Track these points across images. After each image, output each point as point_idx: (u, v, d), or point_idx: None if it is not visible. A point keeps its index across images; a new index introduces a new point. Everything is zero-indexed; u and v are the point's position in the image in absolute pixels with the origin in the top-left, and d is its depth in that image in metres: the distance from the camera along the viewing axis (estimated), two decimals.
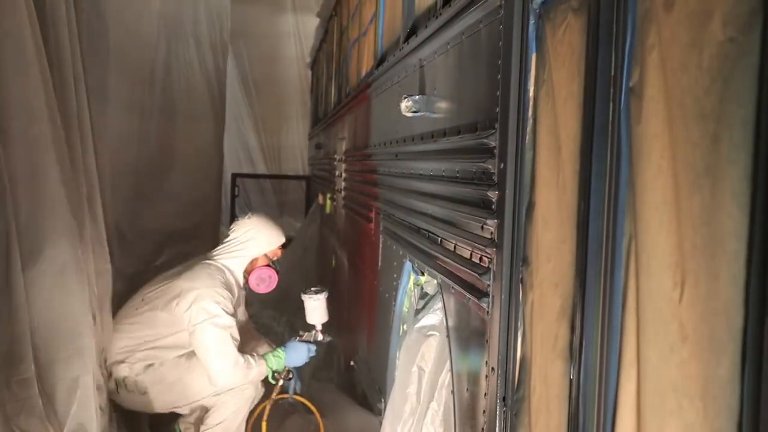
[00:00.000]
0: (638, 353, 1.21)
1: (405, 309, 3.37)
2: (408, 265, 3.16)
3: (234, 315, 4.06)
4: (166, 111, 6.40)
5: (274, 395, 4.33)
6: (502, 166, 1.84)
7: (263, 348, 4.46)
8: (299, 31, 12.71)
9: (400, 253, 3.26)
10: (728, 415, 1.04)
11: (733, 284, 1.01)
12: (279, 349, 4.24)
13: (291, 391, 4.37)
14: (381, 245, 3.84)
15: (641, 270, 1.21)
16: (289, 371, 4.29)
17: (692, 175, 1.08)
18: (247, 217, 4.42)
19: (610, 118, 1.32)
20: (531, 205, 1.69)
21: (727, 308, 1.02)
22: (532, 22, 1.73)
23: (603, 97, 1.35)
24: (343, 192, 5.78)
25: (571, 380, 1.45)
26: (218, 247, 4.35)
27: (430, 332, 2.66)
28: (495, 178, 1.90)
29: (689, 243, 1.08)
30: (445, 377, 2.57)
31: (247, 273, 4.29)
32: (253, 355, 4.12)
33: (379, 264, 3.88)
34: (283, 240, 4.41)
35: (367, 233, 4.33)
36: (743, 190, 0.99)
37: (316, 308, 4.36)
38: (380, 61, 4.13)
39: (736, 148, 1.00)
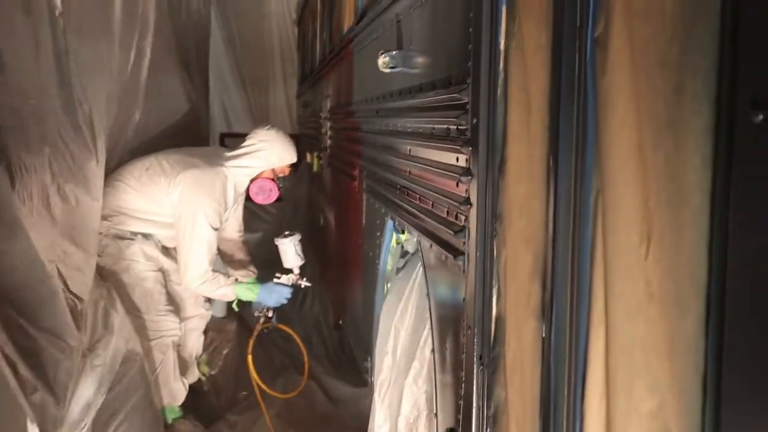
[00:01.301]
0: (606, 311, 1.19)
1: (388, 268, 3.35)
2: (390, 223, 3.13)
3: (219, 228, 4.20)
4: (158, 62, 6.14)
5: (256, 332, 4.54)
6: (474, 121, 1.80)
7: (242, 272, 4.66)
8: None
9: (383, 211, 3.23)
10: (694, 371, 1.02)
11: (697, 239, 0.98)
12: (253, 284, 4.38)
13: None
14: (364, 204, 3.81)
15: (608, 226, 1.19)
16: (268, 310, 4.50)
17: (656, 128, 1.05)
18: (266, 127, 4.48)
19: (577, 71, 1.29)
20: (503, 161, 1.65)
21: (691, 264, 1.00)
22: None
23: (569, 48, 1.31)
24: (328, 150, 5.73)
25: (543, 339, 1.43)
26: (233, 151, 4.39)
27: (410, 291, 2.64)
28: (468, 134, 1.87)
29: (654, 198, 1.06)
30: (427, 336, 2.56)
31: (251, 181, 4.38)
32: (227, 277, 4.25)
33: (363, 222, 3.86)
34: (294, 159, 4.47)
35: (351, 192, 4.29)
36: (706, 141, 0.96)
37: (288, 251, 4.50)
38: (361, 17, 4.06)
39: (698, 99, 0.97)
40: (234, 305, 4.54)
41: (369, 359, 3.67)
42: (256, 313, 4.61)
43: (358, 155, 4.03)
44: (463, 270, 1.90)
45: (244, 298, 4.38)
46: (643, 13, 1.08)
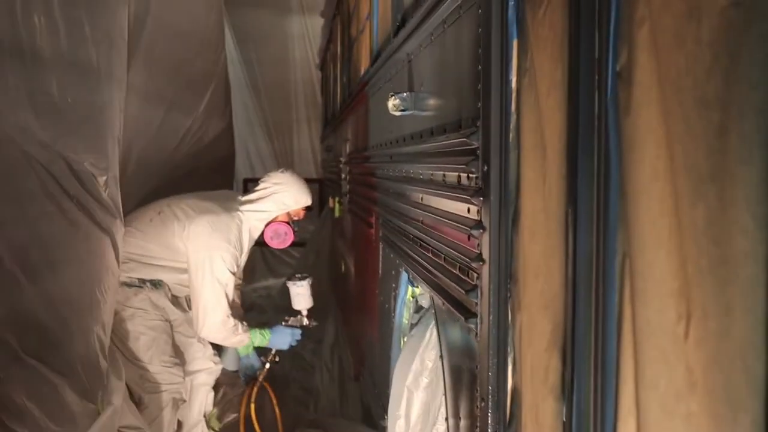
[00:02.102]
0: (637, 399, 0.98)
1: (405, 321, 3.14)
2: (404, 275, 2.93)
3: (235, 273, 4.05)
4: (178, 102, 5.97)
5: (261, 377, 4.46)
6: (485, 168, 1.61)
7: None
8: (308, 32, 12.48)
9: (397, 262, 3.04)
10: None
11: (751, 320, 0.78)
12: (265, 329, 4.31)
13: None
14: (381, 253, 3.62)
15: (637, 296, 0.98)
16: (275, 354, 4.43)
17: (695, 179, 0.85)
18: (280, 171, 4.35)
19: (596, 110, 1.09)
20: (517, 214, 1.45)
21: (743, 350, 0.79)
22: (511, 3, 1.50)
23: (587, 84, 1.12)
24: (347, 195, 5.57)
25: (564, 423, 1.22)
26: (248, 195, 4.26)
27: (425, 350, 2.43)
28: (479, 182, 1.67)
29: (693, 265, 0.85)
30: (437, 400, 2.35)
31: (265, 225, 4.25)
32: (243, 323, 4.13)
33: (380, 272, 3.66)
34: (309, 202, 4.31)
35: (369, 239, 4.11)
36: (759, 197, 0.76)
37: (300, 294, 4.45)
38: (375, 58, 3.91)
39: (748, 142, 0.77)
40: (247, 353, 4.42)
41: (386, 417, 3.45)
42: (262, 358, 4.51)
43: (374, 202, 3.85)
44: (476, 334, 1.69)
45: (257, 344, 4.30)
46: (674, 39, 0.89)
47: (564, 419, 1.22)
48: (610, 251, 1.08)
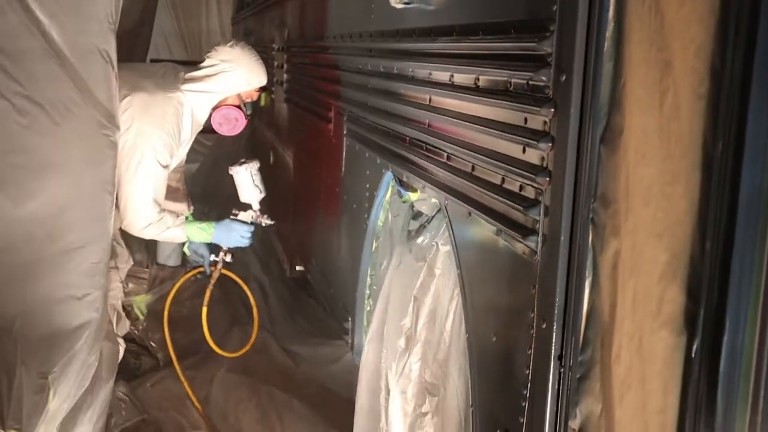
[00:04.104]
0: None
1: (380, 223, 3.05)
2: (388, 176, 2.82)
3: (168, 166, 3.60)
4: None
5: (213, 280, 4.08)
6: (563, 78, 1.50)
7: (178, 205, 4.05)
8: None
9: (377, 162, 2.91)
10: None
11: None
12: (208, 223, 3.83)
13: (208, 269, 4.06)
14: (345, 150, 3.48)
15: None
16: (227, 252, 3.97)
17: None
18: (229, 44, 3.79)
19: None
20: (616, 132, 1.35)
21: None
22: None
23: None
24: (285, 85, 5.34)
25: (691, 358, 1.16)
26: (192, 72, 3.71)
27: (433, 259, 2.35)
28: (549, 92, 1.56)
29: None
30: (449, 314, 2.29)
31: (213, 109, 3.75)
32: (176, 216, 3.70)
33: (343, 170, 3.53)
34: (264, 81, 3.83)
35: (323, 134, 3.94)
36: None
37: (243, 182, 3.94)
38: None
39: None
40: (186, 249, 4.02)
41: (350, 320, 3.40)
42: (212, 257, 4.04)
43: (335, 96, 3.69)
44: (535, 252, 1.61)
45: (197, 240, 3.83)
46: None
47: (693, 355, 1.16)
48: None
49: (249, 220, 3.93)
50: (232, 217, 3.94)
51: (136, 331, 4.51)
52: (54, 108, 2.61)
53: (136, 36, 6.53)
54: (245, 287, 4.40)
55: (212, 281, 4.11)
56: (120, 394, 3.95)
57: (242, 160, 4.00)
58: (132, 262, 4.15)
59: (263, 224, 4.00)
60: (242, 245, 3.93)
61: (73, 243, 2.76)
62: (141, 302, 4.56)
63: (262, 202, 3.97)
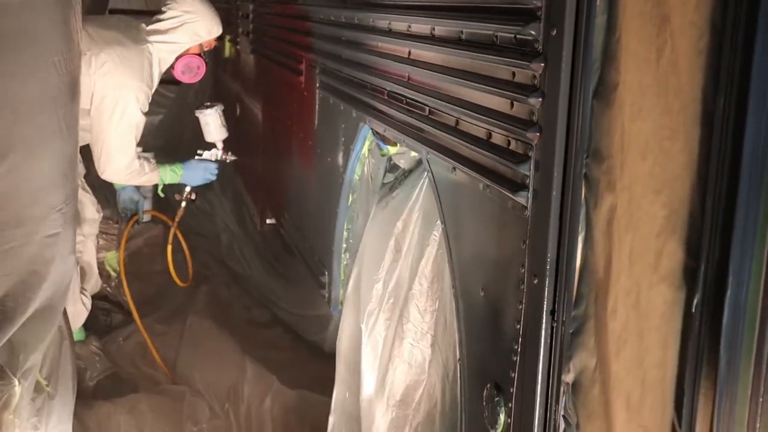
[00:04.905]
0: None
1: (356, 177, 3.03)
2: (365, 129, 2.79)
3: (146, 112, 3.82)
4: None
5: (178, 217, 4.39)
6: (554, 32, 1.48)
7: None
8: None
9: (353, 115, 2.88)
10: None
11: None
12: (177, 164, 4.11)
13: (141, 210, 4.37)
14: (318, 103, 3.44)
15: None
16: (192, 192, 4.31)
17: None
18: None
19: None
20: (610, 86, 1.34)
21: None
22: None
23: None
24: (250, 35, 5.24)
25: (691, 313, 1.17)
26: (153, 24, 3.89)
27: (410, 214, 2.35)
28: (539, 46, 1.54)
29: None
30: (426, 266, 2.28)
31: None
32: (150, 161, 3.92)
33: (316, 123, 3.49)
34: (221, 30, 4.11)
35: (294, 86, 3.89)
36: None
37: (210, 123, 4.28)
38: None
39: None
40: (159, 191, 4.21)
41: (327, 273, 3.39)
42: (177, 197, 4.38)
43: (306, 48, 3.63)
44: (525, 207, 1.61)
45: (168, 181, 4.08)
46: None
47: (693, 310, 1.17)
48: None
49: (214, 158, 4.27)
50: (197, 157, 4.24)
51: (108, 288, 4.49)
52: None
53: None
54: (178, 233, 4.54)
55: (177, 219, 4.39)
56: (93, 347, 3.99)
57: (207, 104, 4.37)
58: (101, 214, 4.17)
59: (227, 160, 4.33)
60: (209, 181, 4.26)
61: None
62: (112, 259, 4.55)
63: (224, 141, 4.31)
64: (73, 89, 2.60)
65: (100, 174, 3.82)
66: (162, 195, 4.25)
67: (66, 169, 2.60)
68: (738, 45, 1.07)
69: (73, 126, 2.64)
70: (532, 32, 1.56)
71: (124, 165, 3.73)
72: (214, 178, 4.23)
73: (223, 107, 4.33)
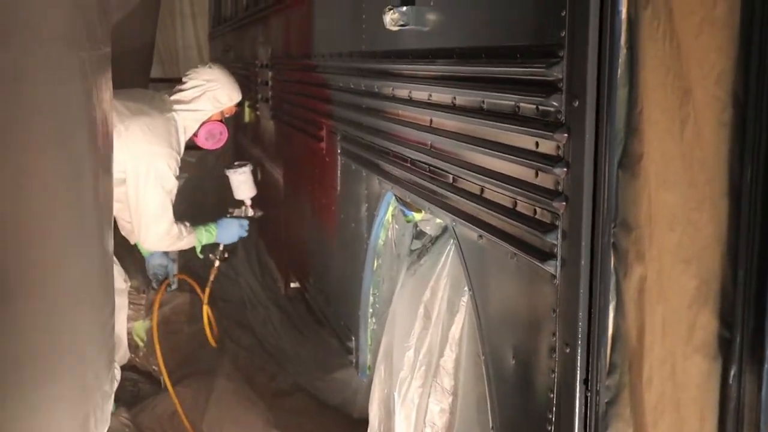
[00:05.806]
0: None
1: (381, 242, 3.05)
2: (388, 196, 2.82)
3: (178, 178, 3.95)
4: None
5: (212, 275, 4.49)
6: (576, 104, 1.50)
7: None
8: None
9: (377, 182, 2.91)
10: None
11: None
12: (210, 225, 4.21)
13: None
14: (340, 169, 3.48)
15: None
16: (225, 251, 4.43)
17: None
18: (207, 66, 4.22)
19: None
20: (635, 157, 1.36)
21: None
22: None
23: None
24: (270, 101, 5.33)
25: (728, 384, 1.17)
26: (175, 94, 4.05)
27: (437, 281, 2.35)
28: (561, 117, 1.57)
29: None
30: (456, 333, 2.28)
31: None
32: (186, 225, 4.02)
33: (339, 188, 3.53)
34: (240, 96, 4.26)
35: (315, 152, 3.94)
36: None
37: (242, 182, 4.45)
38: None
39: None
40: (198, 253, 4.30)
41: (354, 339, 3.39)
42: (211, 256, 4.46)
43: (326, 115, 3.68)
44: (554, 276, 1.62)
45: (205, 242, 4.19)
46: None
47: (730, 382, 1.16)
48: None
49: (244, 215, 4.43)
50: (229, 215, 4.41)
51: (137, 359, 4.51)
52: None
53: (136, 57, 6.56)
54: (200, 293, 4.61)
55: (211, 278, 4.49)
56: (123, 418, 4.00)
57: (237, 163, 4.55)
58: (129, 284, 4.22)
59: (256, 216, 4.49)
60: (242, 236, 4.35)
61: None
62: (139, 329, 4.58)
63: (253, 198, 4.50)
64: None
65: (142, 242, 3.93)
66: (201, 256, 4.32)
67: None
68: (763, 119, 1.08)
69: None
70: (555, 103, 1.58)
71: (165, 230, 3.82)
72: (246, 234, 4.33)
73: (252, 167, 4.49)
